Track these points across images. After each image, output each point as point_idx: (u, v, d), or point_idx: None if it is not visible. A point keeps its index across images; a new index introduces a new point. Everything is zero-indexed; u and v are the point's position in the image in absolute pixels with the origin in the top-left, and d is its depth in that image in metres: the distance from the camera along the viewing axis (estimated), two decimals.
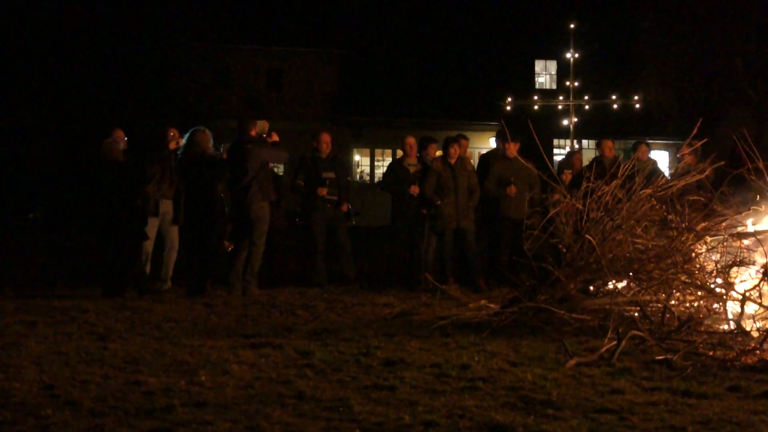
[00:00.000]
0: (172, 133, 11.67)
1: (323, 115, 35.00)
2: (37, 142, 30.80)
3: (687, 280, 8.50)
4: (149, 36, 31.79)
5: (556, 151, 35.37)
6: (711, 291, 8.30)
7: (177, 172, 11.38)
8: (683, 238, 8.73)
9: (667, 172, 13.24)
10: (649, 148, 13.75)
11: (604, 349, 7.14)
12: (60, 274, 13.34)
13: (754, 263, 8.26)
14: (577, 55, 29.17)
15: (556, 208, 9.78)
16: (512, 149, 12.30)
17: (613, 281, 8.95)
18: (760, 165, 8.65)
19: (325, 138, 12.50)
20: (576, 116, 29.66)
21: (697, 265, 8.69)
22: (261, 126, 11.56)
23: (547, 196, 11.40)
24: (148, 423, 5.21)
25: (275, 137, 11.81)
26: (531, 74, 39.11)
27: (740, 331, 7.61)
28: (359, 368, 6.78)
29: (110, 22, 31.07)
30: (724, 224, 8.81)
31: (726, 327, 7.92)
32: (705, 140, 10.89)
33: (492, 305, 9.15)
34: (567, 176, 12.63)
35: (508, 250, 11.98)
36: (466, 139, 13.13)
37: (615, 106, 29.63)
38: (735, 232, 8.74)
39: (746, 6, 27.80)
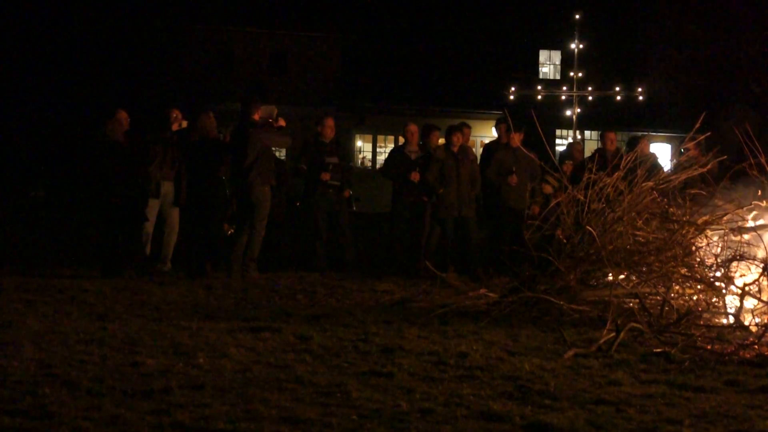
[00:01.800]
0: (174, 115, 11.67)
1: (326, 100, 34.92)
2: (39, 121, 30.78)
3: (687, 273, 8.50)
4: (153, 18, 31.75)
5: (558, 141, 35.33)
6: (710, 285, 8.30)
7: (179, 153, 11.37)
8: (684, 231, 8.73)
9: (668, 165, 13.21)
10: (649, 141, 13.75)
11: (603, 340, 7.14)
12: (60, 254, 13.34)
13: (754, 258, 8.26)
14: (581, 46, 29.13)
15: (557, 198, 9.77)
16: (516, 139, 12.29)
17: (613, 273, 8.95)
18: (762, 160, 8.65)
19: (330, 123, 12.50)
20: (579, 107, 29.63)
21: (697, 259, 8.70)
22: (268, 111, 11.53)
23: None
24: (146, 404, 5.22)
25: (282, 122, 11.79)
26: (535, 64, 39.04)
27: (739, 326, 7.62)
28: (357, 354, 6.78)
29: (115, 3, 31.04)
30: (725, 218, 8.82)
31: (725, 321, 7.93)
32: (708, 134, 10.88)
33: (491, 294, 9.15)
34: (568, 167, 12.62)
35: (508, 239, 11.95)
36: (469, 127, 13.10)
37: (618, 97, 29.61)
38: (736, 226, 8.74)
39: (750, 1, 27.71)
